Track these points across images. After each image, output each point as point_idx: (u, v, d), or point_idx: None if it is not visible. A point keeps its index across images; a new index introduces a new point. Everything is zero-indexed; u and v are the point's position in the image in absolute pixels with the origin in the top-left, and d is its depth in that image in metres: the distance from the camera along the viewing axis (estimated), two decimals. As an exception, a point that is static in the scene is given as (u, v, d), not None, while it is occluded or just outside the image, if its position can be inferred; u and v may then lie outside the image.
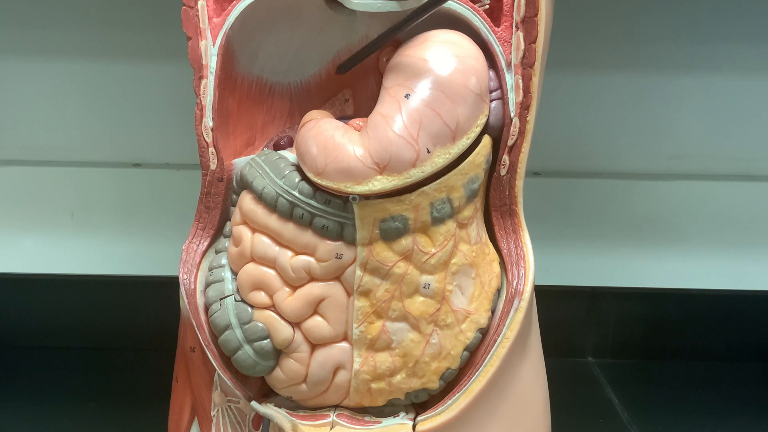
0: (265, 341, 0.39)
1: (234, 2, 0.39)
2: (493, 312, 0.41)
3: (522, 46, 0.39)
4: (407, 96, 0.37)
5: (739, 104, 0.66)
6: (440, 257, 0.38)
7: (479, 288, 0.40)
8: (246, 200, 0.40)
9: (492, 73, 0.39)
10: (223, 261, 0.41)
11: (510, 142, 0.40)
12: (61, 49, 0.64)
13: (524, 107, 0.40)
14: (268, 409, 0.40)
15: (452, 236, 0.39)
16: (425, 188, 0.38)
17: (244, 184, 0.40)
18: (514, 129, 0.40)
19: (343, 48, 0.42)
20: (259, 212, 0.39)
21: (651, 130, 0.67)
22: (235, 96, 0.41)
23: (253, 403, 0.40)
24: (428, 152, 0.37)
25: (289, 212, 0.38)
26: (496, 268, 0.41)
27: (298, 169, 0.39)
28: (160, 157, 0.67)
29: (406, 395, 0.40)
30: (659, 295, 0.68)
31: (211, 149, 0.40)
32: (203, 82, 0.40)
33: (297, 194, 0.38)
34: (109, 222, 0.67)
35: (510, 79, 0.40)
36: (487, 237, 0.41)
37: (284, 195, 0.38)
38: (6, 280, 0.67)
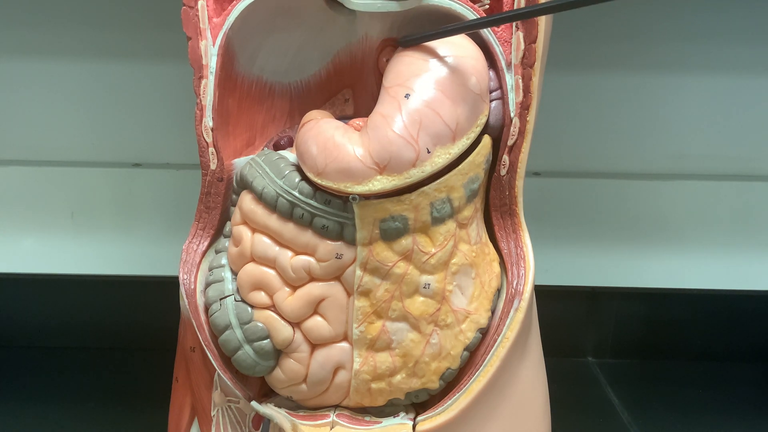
0: (265, 341, 0.39)
1: (234, 2, 0.39)
2: (493, 312, 0.41)
3: (522, 46, 0.39)
4: (407, 96, 0.37)
5: (739, 104, 0.66)
6: (440, 257, 0.38)
7: (479, 288, 0.40)
8: (246, 200, 0.40)
9: (492, 73, 0.39)
10: (223, 261, 0.41)
11: (510, 142, 0.40)
12: (61, 49, 0.64)
13: (524, 107, 0.40)
14: (268, 409, 0.40)
15: (452, 236, 0.39)
16: (425, 188, 0.38)
17: (244, 184, 0.40)
18: (514, 129, 0.40)
19: (343, 48, 0.42)
20: (259, 212, 0.39)
21: (651, 130, 0.67)
22: (235, 96, 0.41)
23: (253, 403, 0.40)
24: (428, 152, 0.37)
25: (289, 212, 0.38)
26: (496, 268, 0.41)
27: (298, 169, 0.39)
28: (160, 157, 0.67)
29: (406, 395, 0.40)
30: (659, 295, 0.68)
31: (211, 149, 0.40)
32: (203, 82, 0.40)
33: (297, 194, 0.38)
34: (109, 222, 0.67)
35: (510, 79, 0.40)
36: (487, 237, 0.41)
37: (284, 195, 0.38)
38: (6, 280, 0.67)
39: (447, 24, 0.39)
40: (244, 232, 0.39)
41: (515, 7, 0.39)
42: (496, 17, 0.37)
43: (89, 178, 0.66)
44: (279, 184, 0.38)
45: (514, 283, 0.40)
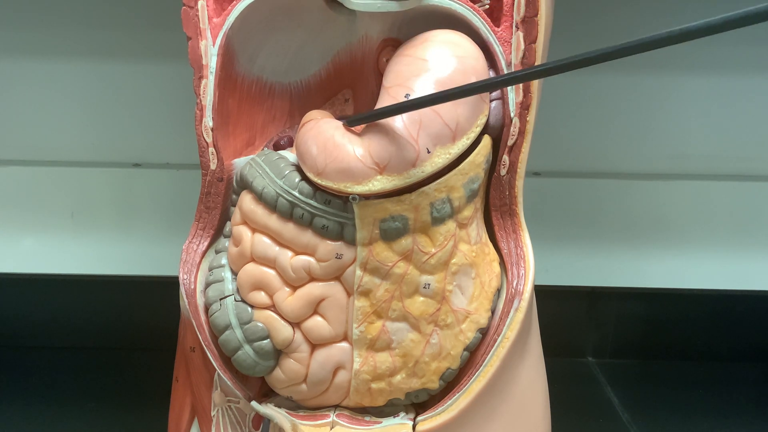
0: (265, 341, 0.39)
1: (234, 2, 0.39)
2: (493, 312, 0.41)
3: (522, 46, 0.39)
4: (407, 96, 0.37)
5: (739, 104, 0.66)
6: (440, 257, 0.38)
7: (479, 288, 0.40)
8: (246, 200, 0.40)
9: (492, 73, 0.39)
10: (223, 261, 0.41)
11: (510, 142, 0.40)
12: (61, 49, 0.64)
13: (524, 107, 0.40)
14: (268, 409, 0.40)
15: (452, 236, 0.39)
16: (425, 188, 0.38)
17: (244, 184, 0.40)
18: (514, 129, 0.40)
19: (343, 48, 0.42)
20: (259, 212, 0.39)
21: (651, 130, 0.67)
22: (235, 96, 0.41)
23: (253, 403, 0.40)
24: (428, 152, 0.37)
25: (289, 212, 0.38)
26: (496, 268, 0.41)
27: (298, 169, 0.39)
28: (160, 157, 0.67)
29: (406, 395, 0.40)
30: (659, 295, 0.68)
31: (211, 149, 0.40)
32: (203, 82, 0.40)
33: (297, 194, 0.38)
34: (109, 222, 0.67)
35: (510, 79, 0.40)
36: (487, 237, 0.41)
37: (284, 195, 0.38)
38: (6, 280, 0.67)
39: (446, 24, 0.39)
40: (244, 232, 0.39)
41: (514, 11, 0.39)
42: (458, 89, 0.35)
43: (89, 178, 0.66)
44: (279, 184, 0.38)
45: (514, 283, 0.40)
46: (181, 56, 0.41)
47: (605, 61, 0.30)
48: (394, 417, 0.40)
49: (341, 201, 0.38)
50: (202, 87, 0.40)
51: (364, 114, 0.37)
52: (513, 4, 0.39)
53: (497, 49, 0.39)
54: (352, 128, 0.38)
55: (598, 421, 0.60)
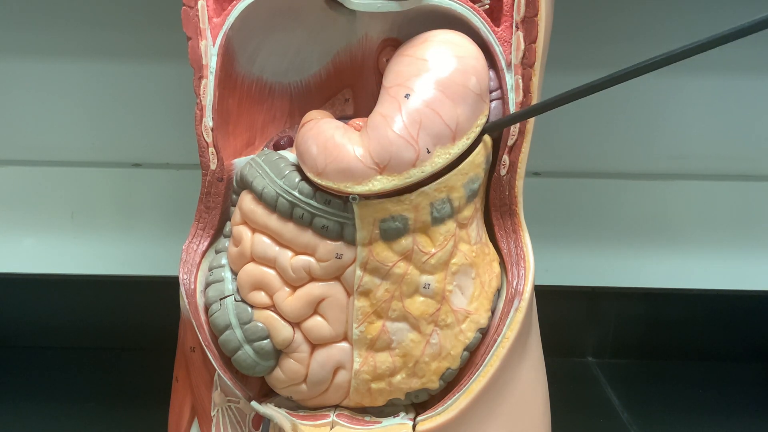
0: (265, 341, 0.39)
1: (234, 2, 0.39)
2: (493, 312, 0.41)
3: (522, 46, 0.39)
4: (407, 96, 0.37)
5: (739, 104, 0.66)
6: (440, 257, 0.38)
7: (479, 288, 0.40)
8: (246, 200, 0.40)
9: (492, 73, 0.39)
10: (223, 261, 0.41)
11: (510, 142, 0.40)
12: (61, 49, 0.64)
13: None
14: (268, 409, 0.40)
15: (452, 236, 0.39)
16: (425, 188, 0.38)
17: (244, 184, 0.40)
18: (514, 129, 0.40)
19: (343, 48, 0.42)
20: (259, 212, 0.39)
21: (651, 130, 0.67)
22: (235, 96, 0.41)
23: (253, 403, 0.40)
24: (428, 152, 0.37)
25: (289, 212, 0.38)
26: (496, 268, 0.41)
27: (298, 169, 0.39)
28: (160, 157, 0.67)
29: (406, 395, 0.40)
30: (659, 295, 0.68)
31: (211, 149, 0.40)
32: (203, 82, 0.40)
33: (297, 194, 0.38)
34: (109, 222, 0.67)
35: (510, 79, 0.40)
36: (487, 237, 0.41)
37: (284, 195, 0.38)
38: (6, 280, 0.67)
39: (446, 24, 0.39)
40: (244, 232, 0.39)
41: (514, 11, 0.39)
42: None
43: (89, 178, 0.66)
44: (279, 184, 0.39)
45: (514, 283, 0.40)
46: (181, 56, 0.41)
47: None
48: (394, 417, 0.40)
49: (341, 201, 0.38)
50: (202, 87, 0.40)
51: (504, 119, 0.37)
52: (513, 4, 0.39)
53: (497, 49, 0.39)
54: (353, 128, 0.38)
55: (598, 421, 0.60)
